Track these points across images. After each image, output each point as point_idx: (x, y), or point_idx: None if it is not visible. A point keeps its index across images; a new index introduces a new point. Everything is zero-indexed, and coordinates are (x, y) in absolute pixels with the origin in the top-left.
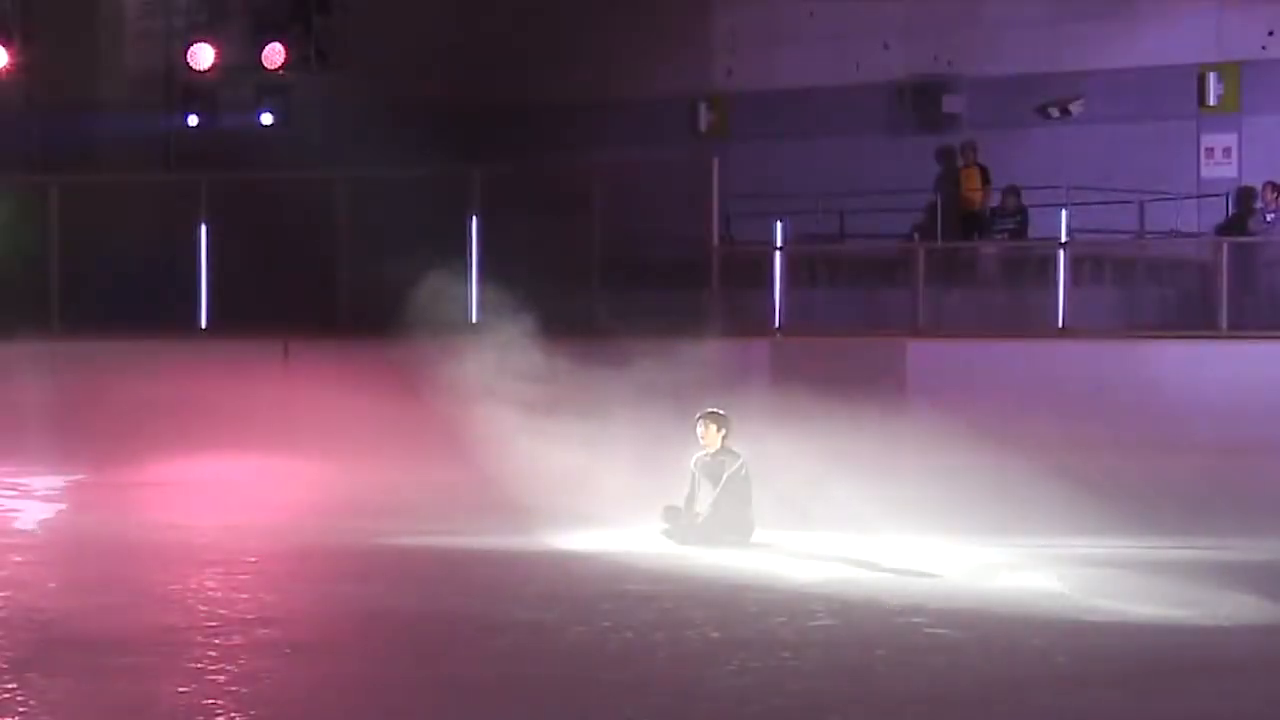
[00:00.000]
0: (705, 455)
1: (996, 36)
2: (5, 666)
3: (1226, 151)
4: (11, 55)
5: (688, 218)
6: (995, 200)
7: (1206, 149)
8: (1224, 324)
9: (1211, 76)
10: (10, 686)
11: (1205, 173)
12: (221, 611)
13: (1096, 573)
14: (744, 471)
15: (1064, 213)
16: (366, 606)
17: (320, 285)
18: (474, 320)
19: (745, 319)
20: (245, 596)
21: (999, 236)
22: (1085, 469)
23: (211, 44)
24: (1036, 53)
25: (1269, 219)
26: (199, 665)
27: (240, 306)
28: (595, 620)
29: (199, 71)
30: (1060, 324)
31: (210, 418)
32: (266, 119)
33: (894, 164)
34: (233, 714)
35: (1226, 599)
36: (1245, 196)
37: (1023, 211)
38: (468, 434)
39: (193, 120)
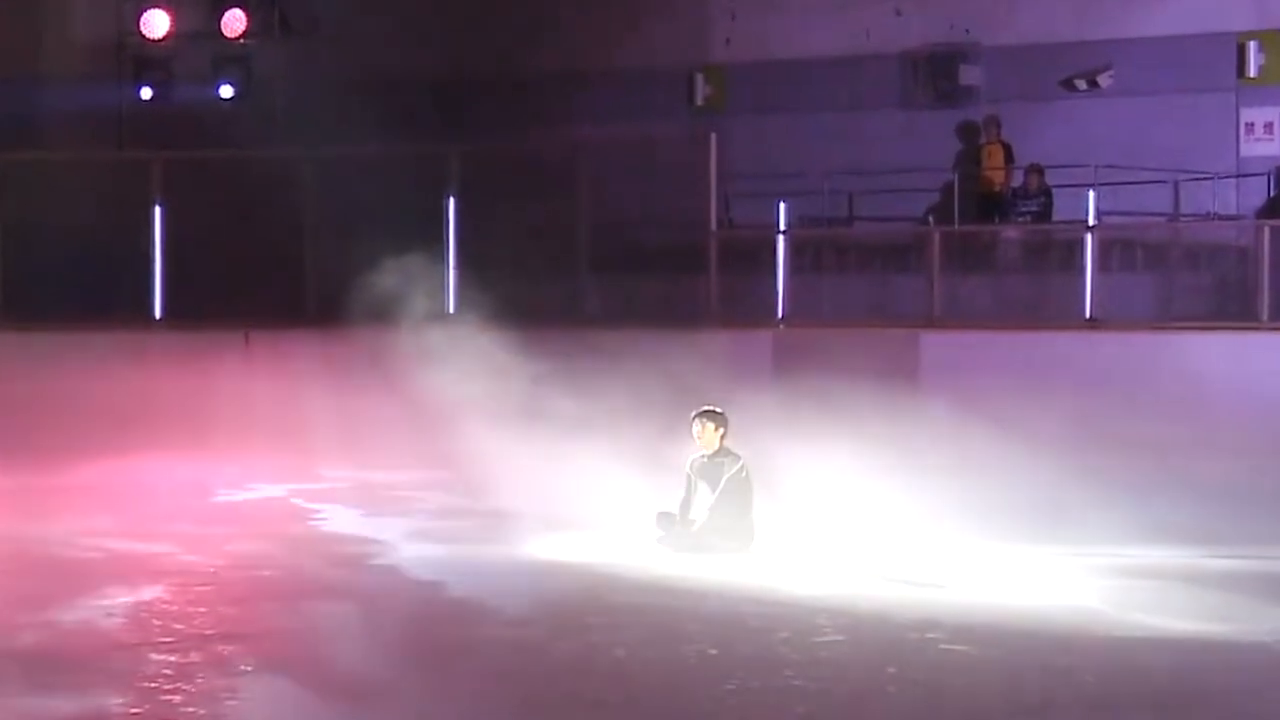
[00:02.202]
0: (702, 457)
1: (1018, 2)
2: None
3: (1268, 127)
4: None
5: (683, 199)
6: (1017, 180)
7: (1246, 124)
8: (1265, 314)
9: (1252, 45)
10: None
11: (1245, 150)
12: (177, 626)
13: (1128, 583)
14: (744, 474)
15: (1091, 194)
16: (334, 620)
17: (285, 271)
18: (451, 310)
19: (745, 309)
20: (203, 610)
21: (1021, 219)
22: (1115, 470)
23: (166, 10)
24: (1061, 19)
25: None
26: (153, 684)
27: (198, 294)
28: (583, 636)
29: (153, 40)
30: (1087, 314)
31: (166, 415)
32: (226, 91)
33: (907, 141)
34: None
35: (1270, 613)
36: None
37: (1046, 192)
38: (444, 433)
39: (146, 93)
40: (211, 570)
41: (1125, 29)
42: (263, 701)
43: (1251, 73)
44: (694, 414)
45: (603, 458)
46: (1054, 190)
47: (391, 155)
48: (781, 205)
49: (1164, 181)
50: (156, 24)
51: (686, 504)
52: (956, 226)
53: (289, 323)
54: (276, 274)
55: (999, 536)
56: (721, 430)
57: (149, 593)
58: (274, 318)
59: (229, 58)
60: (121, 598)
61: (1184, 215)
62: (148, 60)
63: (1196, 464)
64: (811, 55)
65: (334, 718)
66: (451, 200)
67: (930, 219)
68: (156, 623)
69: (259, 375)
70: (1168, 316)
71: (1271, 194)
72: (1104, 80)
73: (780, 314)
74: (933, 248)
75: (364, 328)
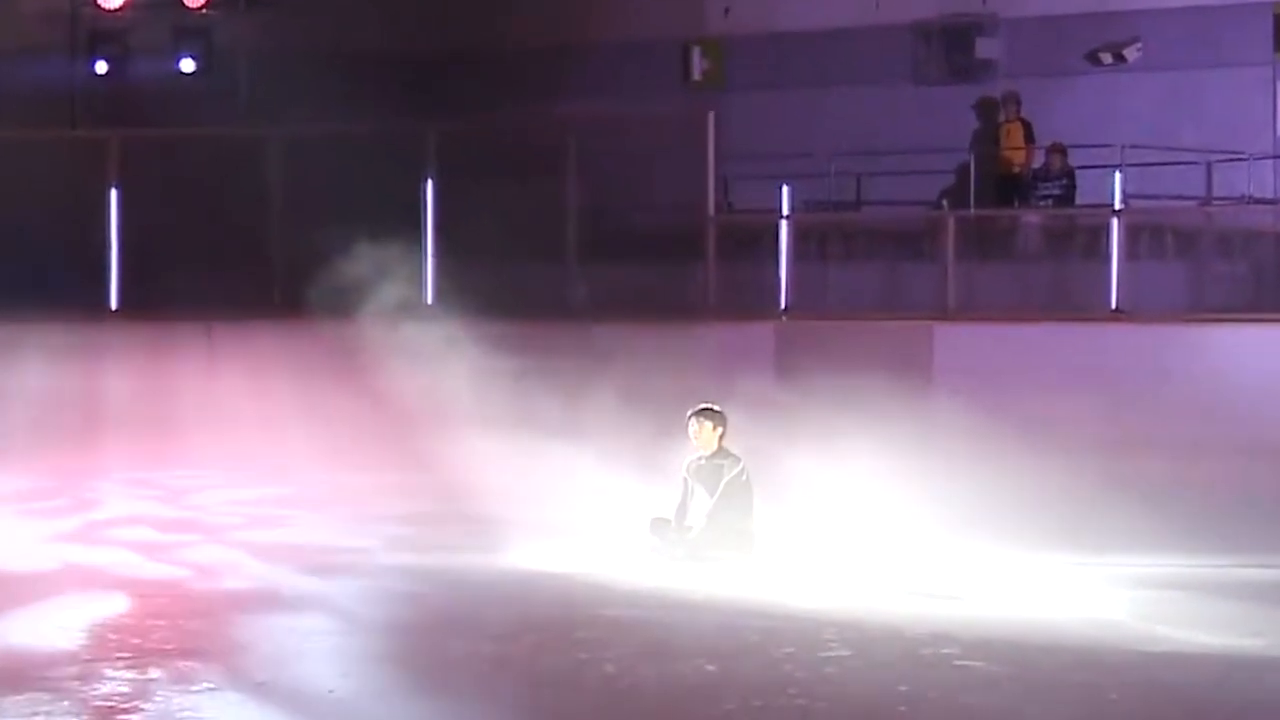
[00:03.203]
0: (699, 458)
1: None
2: None
3: None
4: None
5: (679, 182)
6: (1038, 161)
7: None
8: None
9: None
10: None
11: None
12: (135, 640)
13: (1156, 595)
14: (744, 477)
15: (1118, 175)
16: (303, 634)
17: (250, 260)
18: (429, 301)
19: (746, 299)
20: (162, 623)
21: (1042, 203)
22: (1143, 473)
23: None
24: None
25: None
26: (109, 703)
27: (157, 284)
28: (570, 651)
29: (108, 10)
30: (1113, 305)
31: (123, 413)
32: (187, 65)
33: (919, 119)
34: None
35: None
36: None
37: (1069, 174)
38: (422, 433)
39: (101, 67)
40: (172, 580)
41: None
42: None
43: None
44: (690, 413)
45: (592, 460)
46: (1077, 172)
47: (364, 134)
48: (784, 188)
49: (1196, 163)
50: None
51: (682, 509)
52: (972, 211)
53: (255, 315)
54: (241, 262)
55: (1017, 544)
56: (720, 430)
57: (104, 604)
58: (239, 309)
59: (190, 29)
60: (75, 610)
61: (1217, 199)
62: (103, 32)
63: (1229, 466)
64: (817, 26)
65: None
66: (429, 182)
67: (944, 203)
68: (113, 637)
69: (223, 371)
70: (1199, 308)
71: None
72: (1131, 54)
73: (783, 305)
74: (947, 234)
75: (335, 320)
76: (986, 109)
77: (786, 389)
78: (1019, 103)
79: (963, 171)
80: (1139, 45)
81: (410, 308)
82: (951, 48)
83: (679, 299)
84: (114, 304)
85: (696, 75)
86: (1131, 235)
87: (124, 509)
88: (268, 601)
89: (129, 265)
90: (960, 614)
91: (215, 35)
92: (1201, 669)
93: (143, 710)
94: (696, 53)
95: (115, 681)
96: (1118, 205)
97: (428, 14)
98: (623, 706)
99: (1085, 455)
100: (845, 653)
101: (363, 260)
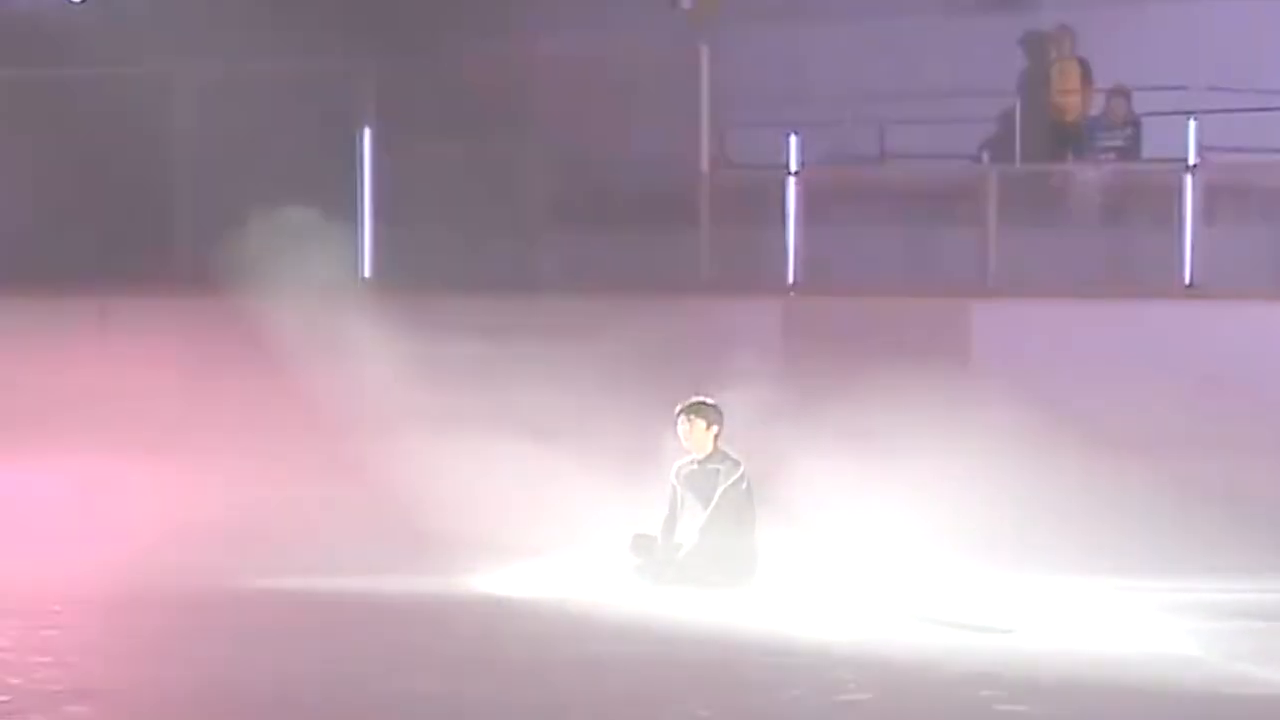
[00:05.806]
0: (691, 462)
1: None
2: None
3: None
4: None
5: (666, 131)
6: (1096, 107)
7: None
8: None
9: None
10: None
11: None
12: (14, 681)
13: (1235, 625)
14: (744, 484)
15: (1192, 124)
16: (216, 673)
17: (152, 225)
18: (366, 274)
19: (747, 272)
20: (47, 660)
21: (1101, 157)
22: (1218, 478)
23: None
24: None
25: None
26: None
27: (40, 254)
28: (540, 692)
29: None
30: (1186, 280)
31: None
32: None
33: (954, 56)
34: None
35: None
36: None
37: (1134, 123)
38: (359, 433)
39: None
40: (58, 609)
41: None
42: None
43: None
44: (680, 408)
45: (565, 465)
46: (1144, 120)
47: (289, 74)
48: (792, 139)
49: None
50: None
51: (671, 523)
52: (1018, 166)
53: (156, 291)
54: (141, 228)
55: (1069, 565)
56: (715, 429)
57: None
58: (137, 285)
59: None
60: None
61: None
62: None
63: None
64: None
65: None
66: (367, 132)
67: (984, 156)
68: None
69: (118, 357)
70: None
71: None
72: None
73: (791, 279)
74: (988, 193)
75: (253, 299)
76: (1034, 45)
77: (794, 379)
78: (1073, 38)
79: (1006, 119)
80: None
81: (344, 282)
82: None
83: (667, 271)
84: None
85: (687, 3)
86: (1208, 196)
87: None
88: (172, 633)
89: (6, 231)
90: (1002, 648)
91: None
92: None
93: None
94: None
95: None
96: (1192, 160)
97: None
98: None
99: (1150, 457)
100: (864, 695)
101: (286, 226)
